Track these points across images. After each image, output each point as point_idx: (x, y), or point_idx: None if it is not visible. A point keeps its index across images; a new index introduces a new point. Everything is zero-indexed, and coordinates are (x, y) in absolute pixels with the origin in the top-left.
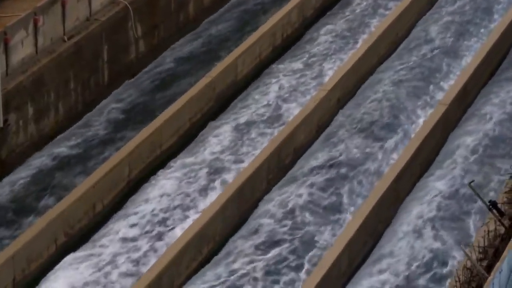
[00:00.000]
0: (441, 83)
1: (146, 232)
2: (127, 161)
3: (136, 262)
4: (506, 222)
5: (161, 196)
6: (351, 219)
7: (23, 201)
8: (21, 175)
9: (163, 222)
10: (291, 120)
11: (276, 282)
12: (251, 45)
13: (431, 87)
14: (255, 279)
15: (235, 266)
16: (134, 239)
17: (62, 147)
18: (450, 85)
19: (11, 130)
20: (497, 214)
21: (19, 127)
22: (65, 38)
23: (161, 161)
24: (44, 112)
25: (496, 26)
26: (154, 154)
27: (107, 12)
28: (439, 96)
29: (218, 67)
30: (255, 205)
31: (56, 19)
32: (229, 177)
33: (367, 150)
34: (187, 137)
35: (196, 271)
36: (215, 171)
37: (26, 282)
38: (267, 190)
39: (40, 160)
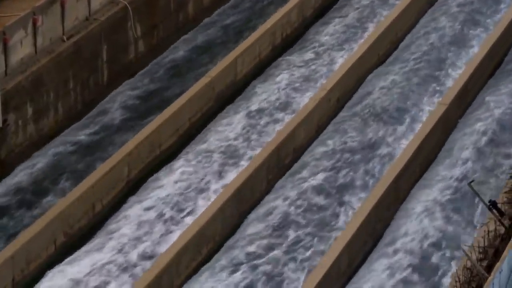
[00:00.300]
0: (449, 70)
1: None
2: (127, 161)
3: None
4: (506, 222)
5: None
6: (351, 219)
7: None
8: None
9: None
10: (291, 119)
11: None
12: (250, 45)
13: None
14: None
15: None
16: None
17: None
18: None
19: (10, 130)
20: (497, 214)
21: (18, 127)
22: (64, 38)
23: (160, 161)
24: (44, 112)
25: (497, 23)
26: (154, 154)
27: (106, 12)
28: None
29: (218, 67)
30: (254, 205)
31: (55, 19)
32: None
33: (380, 134)
34: (186, 137)
35: (195, 271)
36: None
37: (25, 282)
38: (267, 191)
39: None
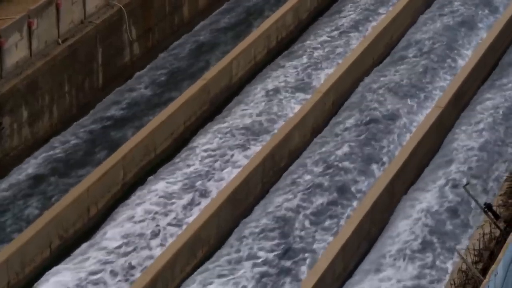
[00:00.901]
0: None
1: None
2: (121, 164)
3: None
4: (501, 225)
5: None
6: (346, 222)
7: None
8: None
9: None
10: (286, 122)
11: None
12: (245, 48)
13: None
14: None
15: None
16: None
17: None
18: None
19: (5, 134)
20: (492, 217)
21: (13, 130)
22: (59, 41)
23: (155, 164)
24: (39, 115)
25: (494, 24)
26: (148, 158)
27: (101, 15)
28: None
29: (213, 70)
30: (249, 209)
31: (50, 22)
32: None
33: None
34: (181, 140)
35: (190, 274)
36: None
37: (20, 286)
38: (262, 194)
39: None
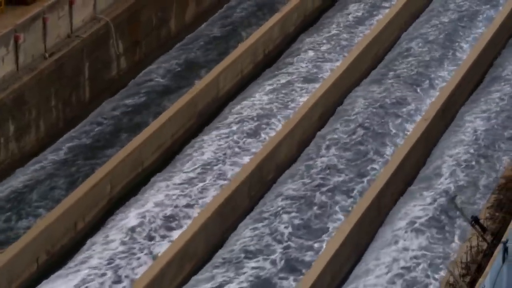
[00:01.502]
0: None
1: None
2: (109, 178)
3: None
4: (489, 238)
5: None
6: (334, 234)
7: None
8: None
9: None
10: (273, 136)
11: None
12: (232, 62)
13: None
14: None
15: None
16: None
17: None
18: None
19: None
20: (479, 230)
21: (0, 144)
22: (46, 55)
23: (143, 178)
24: (25, 129)
25: (481, 36)
26: (136, 172)
27: (88, 29)
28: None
29: (200, 84)
30: (237, 222)
31: (37, 36)
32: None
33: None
34: (169, 154)
35: (179, 286)
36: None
37: None
38: (250, 207)
39: None
